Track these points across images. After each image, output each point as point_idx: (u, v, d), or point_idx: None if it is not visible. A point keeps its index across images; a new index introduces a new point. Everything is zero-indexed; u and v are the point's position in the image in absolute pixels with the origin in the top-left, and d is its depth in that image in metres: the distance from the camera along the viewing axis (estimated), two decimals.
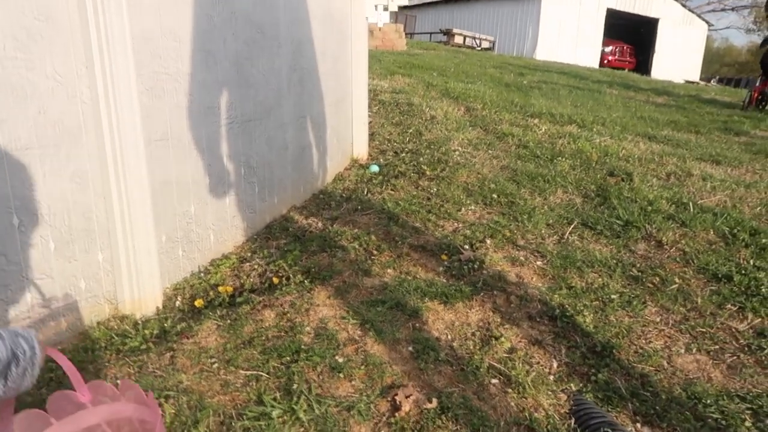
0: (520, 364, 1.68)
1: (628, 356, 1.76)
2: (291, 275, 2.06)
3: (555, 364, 1.72)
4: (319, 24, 2.98)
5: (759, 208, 2.73)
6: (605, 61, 22.72)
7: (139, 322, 1.91)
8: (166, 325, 1.87)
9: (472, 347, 1.74)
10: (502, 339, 1.78)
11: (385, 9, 12.66)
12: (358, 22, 3.46)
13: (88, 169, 1.77)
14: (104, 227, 1.86)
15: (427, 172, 3.09)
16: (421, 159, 3.34)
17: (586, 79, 10.24)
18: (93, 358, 1.66)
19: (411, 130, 4.34)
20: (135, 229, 1.90)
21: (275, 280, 2.07)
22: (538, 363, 1.71)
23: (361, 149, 3.74)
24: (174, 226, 2.12)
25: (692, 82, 18.35)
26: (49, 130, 1.64)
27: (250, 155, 2.48)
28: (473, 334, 1.81)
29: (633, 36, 26.99)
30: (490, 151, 3.64)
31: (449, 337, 1.80)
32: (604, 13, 23.07)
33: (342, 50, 3.38)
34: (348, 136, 3.64)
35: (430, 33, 25.49)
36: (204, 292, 2.10)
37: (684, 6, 32.51)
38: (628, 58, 26.84)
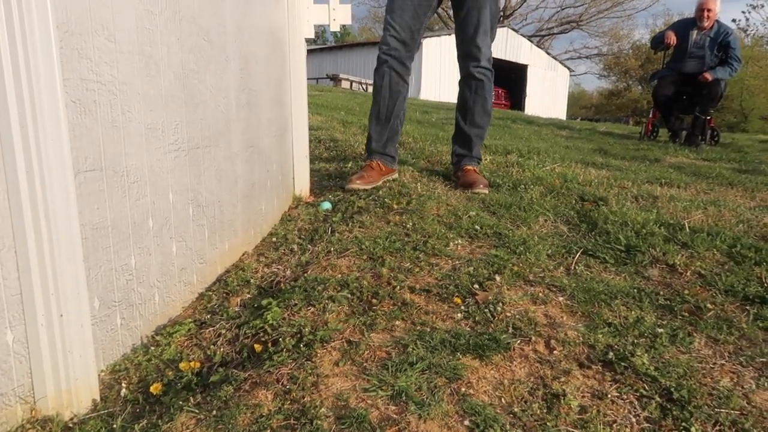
0: (601, 427, 1.33)
1: (706, 401, 1.47)
2: (278, 339, 1.59)
3: (635, 421, 1.39)
4: (264, 41, 2.57)
5: (740, 225, 2.65)
6: None
7: (71, 425, 1.34)
8: (115, 426, 1.31)
9: (538, 412, 1.37)
10: (569, 397, 1.42)
11: None
12: (297, 45, 3.08)
13: None
14: (15, 294, 1.30)
15: (394, 206, 2.73)
16: (381, 193, 2.98)
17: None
18: None
19: (350, 165, 3.98)
20: (62, 293, 1.35)
21: (257, 347, 1.58)
22: (617, 422, 1.37)
23: (303, 186, 3.31)
24: (110, 285, 1.58)
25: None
26: None
27: (198, 191, 1.98)
28: (531, 394, 1.44)
29: (507, 80, 29.17)
30: (447, 182, 3.36)
31: (504, 401, 1.41)
32: None
33: (283, 75, 2.98)
34: (289, 172, 3.20)
35: (317, 78, 25.64)
36: (158, 373, 1.56)
37: (548, 54, 36.08)
38: (503, 101, 29.10)
